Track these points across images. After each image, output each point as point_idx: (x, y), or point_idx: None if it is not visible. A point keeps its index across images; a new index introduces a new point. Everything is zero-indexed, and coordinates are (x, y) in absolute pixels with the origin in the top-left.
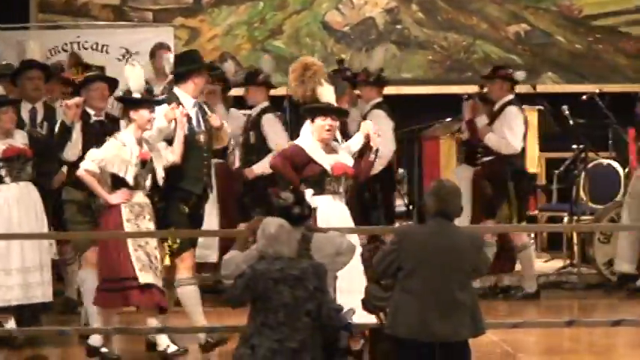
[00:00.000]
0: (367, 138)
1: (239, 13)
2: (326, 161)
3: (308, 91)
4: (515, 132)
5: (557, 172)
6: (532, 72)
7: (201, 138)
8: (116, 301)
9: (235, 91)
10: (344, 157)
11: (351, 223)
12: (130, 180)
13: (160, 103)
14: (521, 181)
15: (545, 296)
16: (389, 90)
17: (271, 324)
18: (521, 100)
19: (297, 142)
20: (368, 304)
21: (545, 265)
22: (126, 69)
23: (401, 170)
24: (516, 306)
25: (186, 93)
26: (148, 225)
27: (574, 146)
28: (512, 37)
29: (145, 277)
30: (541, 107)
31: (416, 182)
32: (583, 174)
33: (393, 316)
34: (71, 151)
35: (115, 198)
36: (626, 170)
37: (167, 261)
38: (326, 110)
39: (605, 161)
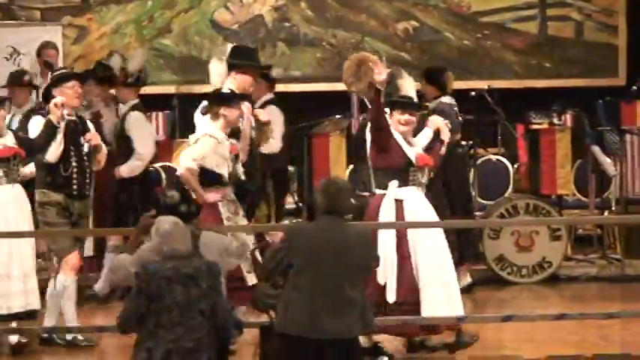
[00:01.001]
0: (437, 132)
1: (127, 12)
2: (411, 152)
3: (364, 86)
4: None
5: None
6: (421, 69)
7: (253, 134)
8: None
9: None
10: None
11: (435, 216)
12: (226, 176)
13: (243, 98)
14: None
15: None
16: (278, 87)
17: (165, 324)
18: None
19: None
20: (258, 303)
21: None
22: (211, 65)
23: (290, 168)
24: None
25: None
26: (243, 222)
27: (463, 142)
28: (401, 34)
29: (252, 279)
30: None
31: (306, 180)
32: (472, 170)
33: (283, 314)
34: (55, 153)
35: (212, 196)
36: (515, 166)
37: None
38: (404, 105)
39: (495, 157)
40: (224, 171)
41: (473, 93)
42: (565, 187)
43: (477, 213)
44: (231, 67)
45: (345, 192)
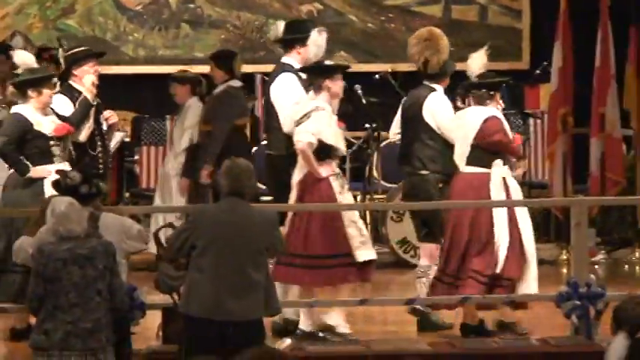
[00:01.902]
0: None
1: None
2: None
3: (446, 57)
4: None
5: (350, 151)
6: (325, 51)
7: None
8: (318, 279)
9: None
10: None
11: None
12: (342, 149)
13: (346, 68)
14: None
15: None
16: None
17: (63, 306)
18: None
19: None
20: (160, 284)
21: None
22: (312, 35)
23: None
24: None
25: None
26: (349, 197)
27: (367, 125)
28: (306, 17)
29: (363, 255)
30: None
31: None
32: (376, 153)
33: (187, 295)
34: (87, 132)
35: (325, 171)
36: None
37: None
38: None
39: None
40: (340, 144)
41: (377, 76)
42: None
43: (380, 196)
44: (293, 41)
45: (248, 173)
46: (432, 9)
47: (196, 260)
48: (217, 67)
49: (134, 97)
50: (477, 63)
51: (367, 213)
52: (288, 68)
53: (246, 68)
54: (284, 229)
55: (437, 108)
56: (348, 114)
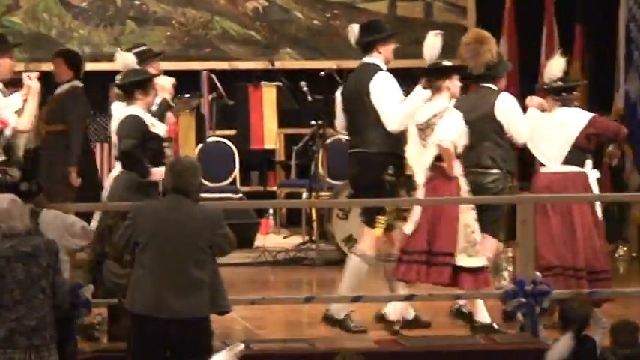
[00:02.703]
0: None
1: None
2: None
3: (482, 64)
4: None
5: (295, 148)
6: (270, 48)
7: None
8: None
9: None
10: None
11: None
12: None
13: (464, 69)
14: None
15: (284, 272)
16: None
17: (7, 304)
18: (260, 76)
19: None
20: (107, 282)
21: (285, 241)
22: (428, 37)
23: None
24: (259, 282)
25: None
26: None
27: (312, 122)
28: (251, 14)
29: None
30: (279, 83)
31: None
32: (321, 150)
33: (131, 292)
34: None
35: (457, 169)
36: None
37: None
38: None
39: (344, 137)
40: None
41: (322, 73)
42: None
43: (326, 193)
44: (374, 43)
45: (192, 171)
46: (378, 5)
47: (139, 256)
48: (67, 65)
49: None
50: (556, 67)
51: (313, 210)
52: (378, 68)
53: (192, 65)
54: (409, 227)
55: (509, 108)
56: (294, 111)
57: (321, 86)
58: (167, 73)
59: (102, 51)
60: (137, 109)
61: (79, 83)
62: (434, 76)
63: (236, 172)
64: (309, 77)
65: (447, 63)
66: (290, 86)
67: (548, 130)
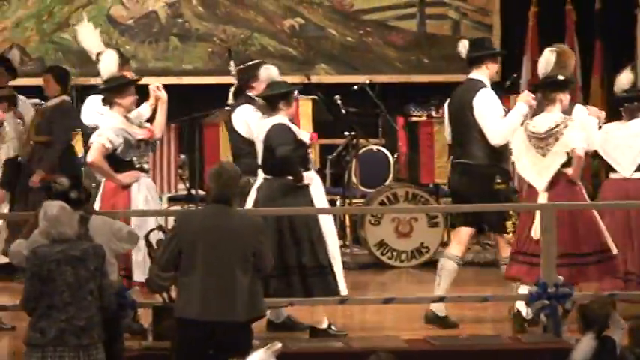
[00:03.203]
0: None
1: (28, 7)
2: None
3: (569, 74)
4: None
5: (330, 157)
6: (306, 63)
7: None
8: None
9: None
10: None
11: None
12: None
13: (571, 83)
14: None
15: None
16: (171, 80)
17: (58, 305)
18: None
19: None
20: (152, 284)
21: None
22: (544, 54)
23: (182, 156)
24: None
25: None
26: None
27: (346, 133)
28: (288, 31)
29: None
30: (315, 97)
31: (197, 167)
32: (354, 160)
33: (178, 298)
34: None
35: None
36: (395, 156)
37: None
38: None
39: (375, 147)
40: None
41: (355, 87)
42: (442, 176)
43: (359, 200)
44: (483, 58)
45: (236, 179)
46: (408, 23)
47: (184, 264)
48: (55, 81)
49: None
50: (625, 79)
51: (347, 217)
52: (482, 85)
53: (232, 80)
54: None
55: (586, 120)
56: (329, 123)
57: (354, 99)
58: (208, 87)
59: (147, 66)
60: (282, 118)
61: (67, 97)
62: (550, 88)
63: None
64: (343, 91)
65: (560, 77)
66: (325, 99)
67: (623, 140)
